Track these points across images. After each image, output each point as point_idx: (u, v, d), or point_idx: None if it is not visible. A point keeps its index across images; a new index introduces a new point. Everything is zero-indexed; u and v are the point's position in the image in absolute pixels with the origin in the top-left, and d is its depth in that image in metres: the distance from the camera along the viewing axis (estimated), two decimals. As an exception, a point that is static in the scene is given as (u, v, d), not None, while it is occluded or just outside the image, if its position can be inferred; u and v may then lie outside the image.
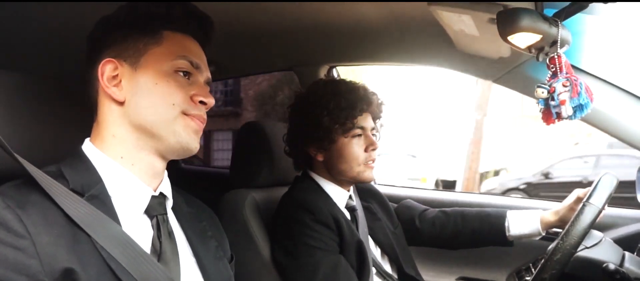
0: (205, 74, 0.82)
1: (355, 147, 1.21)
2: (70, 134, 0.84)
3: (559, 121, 0.95)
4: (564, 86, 0.92)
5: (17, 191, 0.66)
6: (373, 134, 1.25)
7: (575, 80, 0.92)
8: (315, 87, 1.27)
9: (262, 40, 1.45)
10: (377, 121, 1.29)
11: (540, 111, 0.96)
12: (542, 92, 0.94)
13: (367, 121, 1.23)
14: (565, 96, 0.91)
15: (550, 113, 0.95)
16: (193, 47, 0.81)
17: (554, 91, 0.92)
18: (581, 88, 0.92)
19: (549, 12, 0.95)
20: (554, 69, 0.94)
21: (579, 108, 0.93)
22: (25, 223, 0.63)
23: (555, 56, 0.94)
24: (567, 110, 0.92)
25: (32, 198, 0.66)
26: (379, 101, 1.27)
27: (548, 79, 0.95)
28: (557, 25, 0.91)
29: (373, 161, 1.23)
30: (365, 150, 1.22)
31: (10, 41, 1.28)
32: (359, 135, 1.22)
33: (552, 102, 0.93)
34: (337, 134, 1.20)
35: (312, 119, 1.20)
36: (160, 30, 0.78)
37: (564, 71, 0.93)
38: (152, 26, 0.77)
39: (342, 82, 1.27)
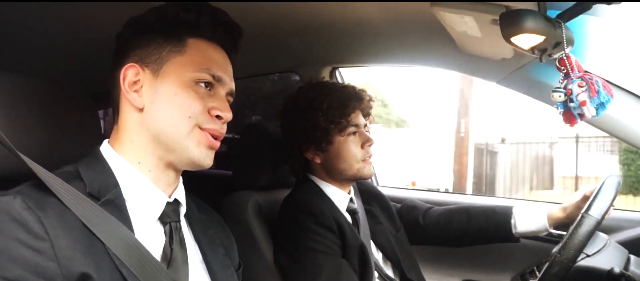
0: (228, 85, 0.80)
1: (352, 145, 1.22)
2: (76, 135, 0.84)
3: (582, 121, 0.92)
4: (580, 86, 0.89)
5: (37, 191, 0.66)
6: (366, 131, 1.25)
7: (590, 79, 0.89)
8: (305, 90, 1.27)
9: (265, 41, 1.45)
10: (367, 118, 1.29)
11: (560, 113, 0.94)
12: (559, 96, 0.92)
13: (359, 118, 1.24)
14: (584, 96, 0.89)
15: (571, 115, 0.92)
16: (217, 58, 0.79)
17: (570, 93, 0.90)
18: (598, 86, 0.89)
19: (552, 13, 0.94)
20: (565, 70, 0.92)
21: (601, 106, 0.90)
22: (44, 224, 0.62)
23: (564, 57, 0.92)
24: (589, 110, 0.89)
25: (51, 199, 0.65)
26: (368, 98, 1.28)
27: (561, 80, 0.93)
28: (560, 27, 0.90)
29: (370, 157, 1.24)
30: (362, 147, 1.22)
31: (13, 42, 1.28)
32: (354, 133, 1.22)
33: (572, 104, 0.91)
34: (334, 134, 1.20)
35: (307, 122, 1.20)
36: (185, 38, 0.76)
37: (576, 70, 0.91)
38: (178, 32, 0.76)
39: (331, 83, 1.29)
